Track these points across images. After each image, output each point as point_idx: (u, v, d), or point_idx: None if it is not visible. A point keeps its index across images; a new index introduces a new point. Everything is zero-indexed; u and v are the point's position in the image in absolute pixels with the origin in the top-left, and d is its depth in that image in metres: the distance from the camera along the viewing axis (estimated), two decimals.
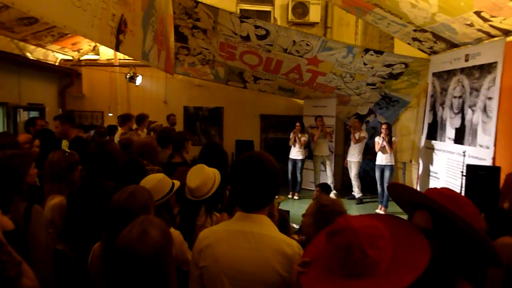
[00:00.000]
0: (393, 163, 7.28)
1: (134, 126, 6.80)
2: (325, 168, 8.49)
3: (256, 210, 1.54)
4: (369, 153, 8.27)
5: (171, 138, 4.13)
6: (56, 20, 3.37)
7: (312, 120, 9.03)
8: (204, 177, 2.38)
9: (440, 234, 1.25)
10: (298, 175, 8.39)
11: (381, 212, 7.22)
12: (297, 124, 8.32)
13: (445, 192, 1.33)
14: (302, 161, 8.39)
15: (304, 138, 8.27)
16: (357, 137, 7.87)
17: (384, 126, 7.29)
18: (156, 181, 2.22)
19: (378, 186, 7.42)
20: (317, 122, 8.30)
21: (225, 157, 3.19)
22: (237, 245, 1.50)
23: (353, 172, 8.03)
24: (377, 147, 7.35)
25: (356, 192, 8.05)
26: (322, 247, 1.27)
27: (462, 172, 5.66)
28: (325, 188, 5.61)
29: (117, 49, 4.83)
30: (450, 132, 6.45)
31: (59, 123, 4.47)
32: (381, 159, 7.29)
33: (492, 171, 5.02)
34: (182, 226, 2.31)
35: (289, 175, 8.47)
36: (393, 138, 7.26)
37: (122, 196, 1.73)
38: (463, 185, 5.55)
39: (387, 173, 7.24)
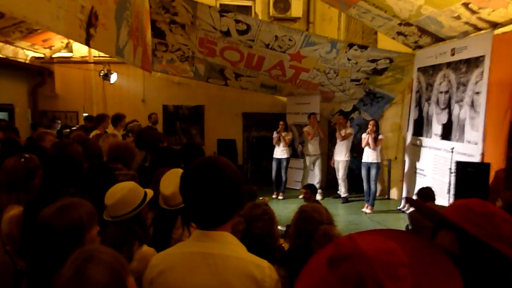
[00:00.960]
0: (380, 161, 7.10)
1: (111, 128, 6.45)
2: (314, 167, 8.23)
3: (216, 226, 1.28)
4: (354, 151, 8.10)
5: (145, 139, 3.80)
6: (15, 10, 3.05)
7: (296, 118, 8.83)
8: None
9: (469, 260, 1.00)
10: (283, 175, 8.15)
11: (368, 211, 7.05)
12: (281, 122, 8.07)
13: (476, 206, 1.05)
14: (287, 160, 8.16)
15: (288, 137, 8.04)
16: (343, 134, 7.64)
17: (371, 123, 7.09)
18: (125, 190, 1.92)
19: (365, 184, 7.23)
20: (311, 120, 7.99)
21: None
22: (195, 270, 1.25)
23: (340, 173, 7.77)
24: (363, 143, 7.16)
25: (343, 192, 7.86)
26: (319, 278, 0.99)
27: (450, 169, 5.53)
28: (313, 189, 5.42)
29: (87, 43, 4.48)
30: (437, 128, 6.33)
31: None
32: (367, 156, 7.10)
33: (481, 167, 4.90)
34: (156, 240, 2.02)
35: (273, 175, 8.23)
36: (380, 136, 7.06)
37: (48, 211, 1.43)
38: (452, 182, 5.42)
39: (373, 171, 7.05)
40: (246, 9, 9.13)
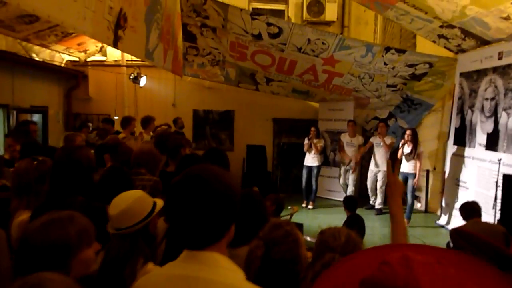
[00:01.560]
0: (415, 171, 6.70)
1: (139, 130, 6.40)
2: (348, 176, 7.94)
3: (204, 247, 1.10)
4: (390, 158, 7.71)
5: (164, 143, 3.66)
6: (38, 9, 2.98)
7: (328, 124, 8.55)
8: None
9: None
10: (314, 183, 7.85)
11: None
12: (312, 129, 7.79)
13: None
14: (318, 168, 7.86)
15: (320, 144, 7.74)
16: (388, 143, 7.30)
17: (408, 132, 6.73)
18: (131, 200, 1.73)
19: None
20: (349, 127, 7.80)
21: (227, 165, 2.73)
22: None
23: (380, 183, 7.41)
24: (399, 153, 6.78)
25: (378, 203, 7.46)
26: None
27: (496, 182, 5.08)
28: (348, 203, 5.10)
29: (115, 45, 4.42)
30: (481, 138, 5.87)
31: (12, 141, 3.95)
32: (404, 166, 6.72)
33: None
34: (169, 256, 1.81)
35: (303, 183, 7.94)
36: (420, 149, 6.71)
37: (33, 226, 1.26)
38: (498, 197, 4.98)
39: (410, 182, 6.65)
40: (279, 13, 8.95)
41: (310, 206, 7.77)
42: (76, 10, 3.46)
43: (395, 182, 1.74)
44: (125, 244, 1.66)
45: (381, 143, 7.38)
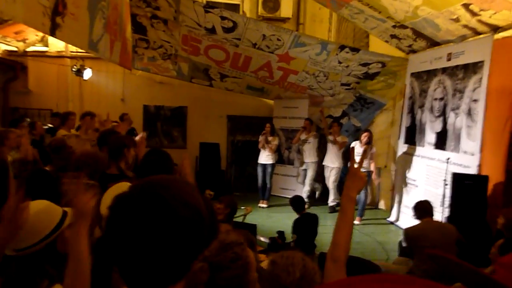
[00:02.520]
0: (372, 170, 6.73)
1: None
2: (305, 175, 7.85)
3: None
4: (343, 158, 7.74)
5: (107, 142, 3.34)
6: None
7: (283, 122, 8.47)
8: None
9: None
10: (268, 181, 7.73)
11: (356, 222, 6.69)
12: (267, 125, 7.67)
13: None
14: (272, 166, 7.74)
15: (274, 143, 7.63)
16: (340, 141, 7.31)
17: (365, 134, 6.76)
18: (31, 214, 1.41)
19: None
20: (304, 124, 7.67)
21: (170, 167, 2.50)
22: None
23: (331, 179, 7.40)
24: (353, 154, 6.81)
25: (331, 200, 7.46)
26: None
27: (445, 180, 5.20)
28: (295, 205, 5.03)
29: (52, 33, 4.03)
30: (430, 137, 6.01)
31: None
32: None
33: (479, 180, 4.58)
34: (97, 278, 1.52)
35: (259, 181, 7.79)
36: (373, 149, 6.75)
37: None
38: (446, 195, 5.10)
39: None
40: (234, 7, 8.72)
41: (264, 205, 7.64)
42: None
43: (355, 174, 1.56)
44: (24, 268, 1.38)
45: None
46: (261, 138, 7.65)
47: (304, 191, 7.59)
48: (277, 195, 8.22)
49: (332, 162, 7.39)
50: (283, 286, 1.54)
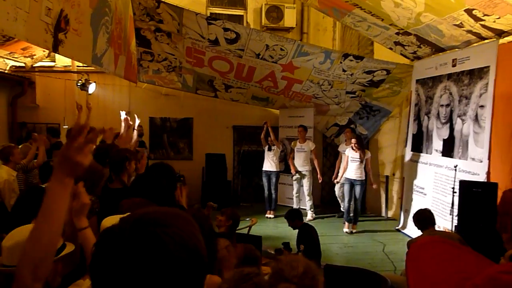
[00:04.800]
0: (364, 178, 6.61)
1: None
2: (303, 184, 7.58)
3: None
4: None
5: (108, 155, 3.34)
6: None
7: (288, 131, 8.40)
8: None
9: None
10: (273, 191, 7.63)
11: (346, 230, 6.69)
12: (266, 122, 7.61)
13: None
14: (277, 174, 7.64)
15: (278, 149, 7.59)
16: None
17: (353, 141, 6.64)
18: (24, 236, 1.41)
19: (346, 202, 6.79)
20: (299, 132, 7.50)
21: (173, 180, 2.48)
22: None
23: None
24: (344, 162, 6.81)
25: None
26: None
27: (453, 188, 5.10)
28: (292, 216, 4.95)
29: (55, 50, 4.08)
30: (437, 144, 5.93)
31: None
32: (351, 172, 6.62)
33: (488, 188, 4.48)
34: None
35: (266, 191, 7.71)
36: (367, 154, 6.67)
37: None
38: (455, 203, 4.99)
39: (357, 189, 6.61)
40: (237, 18, 8.77)
41: (270, 215, 7.57)
42: (5, 9, 3.12)
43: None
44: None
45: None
46: (262, 136, 7.66)
47: (307, 202, 7.44)
48: (284, 204, 8.13)
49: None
50: (286, 279, 1.52)
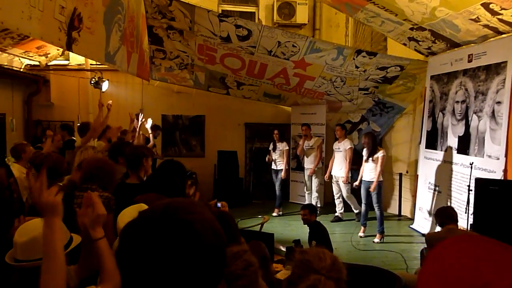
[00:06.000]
0: (381, 179, 6.10)
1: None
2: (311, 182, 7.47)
3: None
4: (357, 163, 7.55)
5: (122, 152, 3.36)
6: None
7: (300, 129, 8.35)
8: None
9: None
10: (277, 189, 7.54)
11: (362, 234, 6.33)
12: (275, 131, 7.55)
13: None
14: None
15: (285, 148, 7.48)
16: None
17: (362, 137, 6.39)
18: (37, 232, 1.43)
19: (362, 204, 6.36)
20: (302, 131, 7.40)
21: (183, 177, 2.48)
22: None
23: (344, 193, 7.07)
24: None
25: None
26: None
27: (468, 186, 5.00)
28: (312, 209, 4.89)
29: (69, 48, 4.11)
30: (453, 141, 5.82)
31: None
32: (366, 173, 6.16)
33: (506, 186, 4.37)
34: None
35: (277, 189, 7.68)
36: (381, 152, 6.06)
37: None
38: (471, 202, 4.89)
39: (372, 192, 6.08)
40: (249, 15, 8.77)
41: (276, 214, 7.42)
42: (20, 8, 3.15)
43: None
44: (29, 280, 1.39)
45: (340, 148, 7.03)
46: (270, 147, 7.62)
47: (313, 198, 7.36)
48: (295, 202, 8.11)
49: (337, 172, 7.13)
50: (315, 270, 1.51)
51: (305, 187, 7.57)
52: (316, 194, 7.38)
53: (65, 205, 2.06)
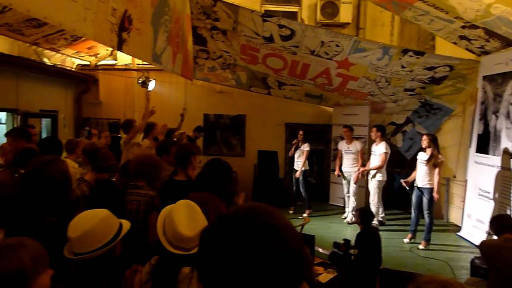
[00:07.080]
0: (433, 186, 5.70)
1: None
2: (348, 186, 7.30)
3: None
4: (407, 167, 7.32)
5: (167, 151, 3.45)
6: (33, 10, 2.81)
7: (342, 130, 8.20)
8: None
9: None
10: (302, 190, 7.31)
11: (422, 247, 5.82)
12: (300, 132, 7.33)
13: None
14: (304, 172, 7.29)
15: (306, 149, 7.22)
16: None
17: (425, 138, 5.82)
18: (95, 221, 1.51)
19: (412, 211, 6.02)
20: (344, 133, 7.25)
21: (229, 176, 2.50)
22: None
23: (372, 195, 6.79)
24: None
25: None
26: None
27: None
28: (364, 216, 4.56)
29: (119, 48, 4.26)
30: (507, 145, 5.51)
31: (11, 140, 3.79)
32: (418, 179, 5.80)
33: None
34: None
35: (302, 189, 7.38)
36: (440, 157, 5.69)
37: None
38: None
39: (425, 198, 5.75)
40: (292, 15, 8.72)
41: (305, 215, 7.18)
42: (76, 11, 3.29)
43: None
44: (88, 270, 1.45)
45: (375, 152, 6.74)
46: (293, 143, 7.40)
47: (351, 202, 7.13)
48: (335, 204, 7.99)
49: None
50: None
51: (345, 190, 7.42)
52: (354, 198, 7.16)
53: (117, 199, 2.14)
